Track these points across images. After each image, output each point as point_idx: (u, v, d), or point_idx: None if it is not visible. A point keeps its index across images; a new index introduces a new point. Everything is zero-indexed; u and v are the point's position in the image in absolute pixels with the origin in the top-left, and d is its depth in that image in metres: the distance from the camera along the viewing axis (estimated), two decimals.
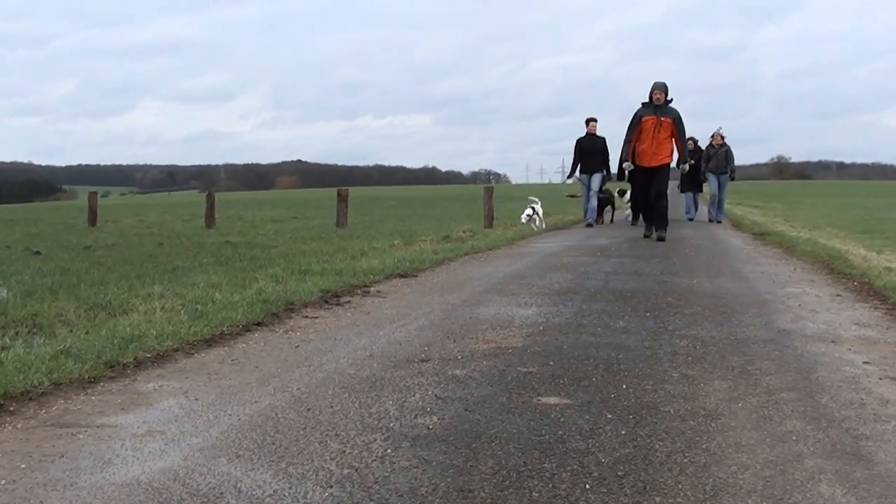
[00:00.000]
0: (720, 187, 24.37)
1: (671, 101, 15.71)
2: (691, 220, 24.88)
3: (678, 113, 15.74)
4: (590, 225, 21.15)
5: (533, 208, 20.37)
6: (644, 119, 15.60)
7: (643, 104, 15.75)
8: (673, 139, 15.71)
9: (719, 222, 23.67)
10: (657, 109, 15.52)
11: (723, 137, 24.40)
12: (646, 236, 15.96)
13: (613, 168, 21.23)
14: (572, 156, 21.81)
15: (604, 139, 21.73)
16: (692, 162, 22.56)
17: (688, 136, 23.56)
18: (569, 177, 22.35)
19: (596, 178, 21.44)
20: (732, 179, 25.00)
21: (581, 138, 21.65)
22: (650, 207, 16.16)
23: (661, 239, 15.30)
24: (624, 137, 15.89)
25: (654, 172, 15.72)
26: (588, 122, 21.71)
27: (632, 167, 16.02)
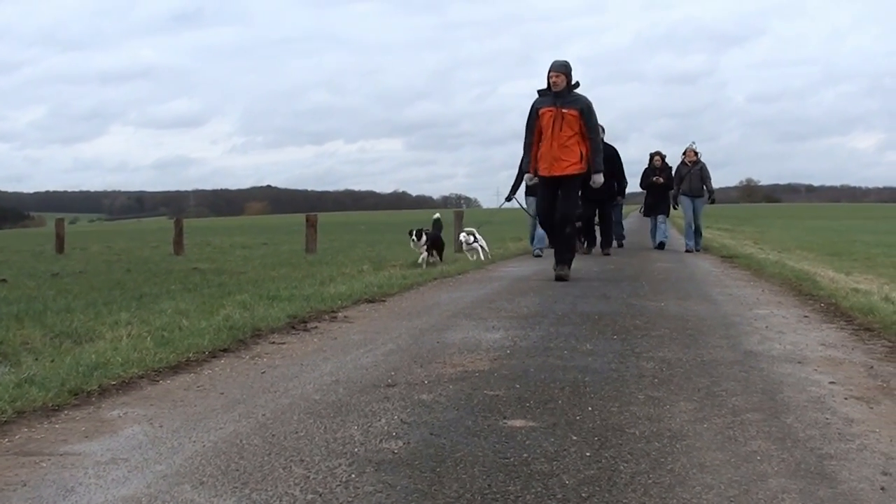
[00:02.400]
0: (696, 212, 20.46)
1: (577, 86, 12.03)
2: (659, 247, 21.27)
3: (588, 102, 11.95)
4: (538, 255, 17.89)
5: (473, 235, 17.41)
6: (541, 112, 11.98)
7: (540, 92, 12.20)
8: (583, 139, 11.91)
9: (697, 251, 20.04)
10: (557, 98, 11.83)
11: (697, 154, 20.67)
12: (558, 276, 12.02)
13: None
14: (514, 176, 17.95)
15: None
16: (661, 179, 21.09)
17: (654, 150, 22.06)
18: (507, 199, 18.18)
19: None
20: (712, 202, 21.49)
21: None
22: (553, 234, 12.49)
23: (560, 278, 11.87)
24: (523, 140, 12.44)
25: (557, 185, 11.97)
26: None
27: (535, 180, 12.45)
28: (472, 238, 17.29)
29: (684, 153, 20.82)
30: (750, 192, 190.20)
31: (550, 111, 11.86)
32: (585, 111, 11.87)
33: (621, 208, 22.67)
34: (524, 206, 17.99)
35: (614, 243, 21.26)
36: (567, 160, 11.79)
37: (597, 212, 19.46)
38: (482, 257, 17.05)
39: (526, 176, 12.87)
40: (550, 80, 11.94)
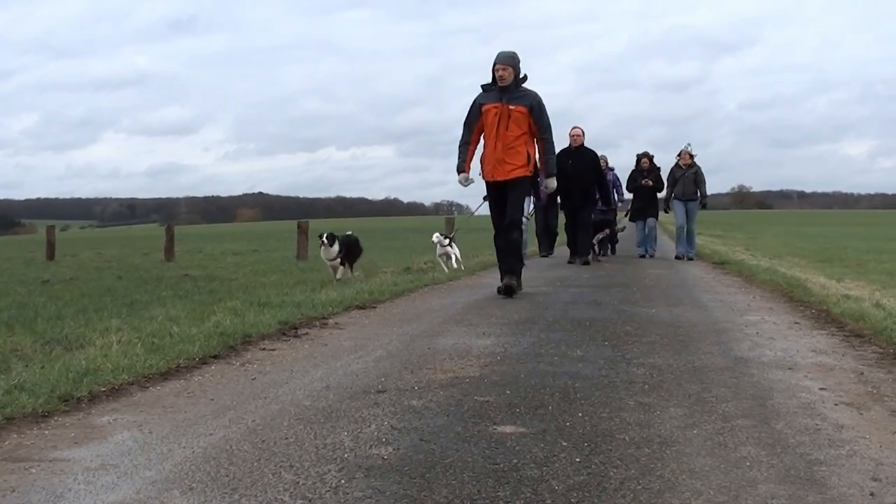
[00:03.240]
0: (689, 217, 19.70)
1: (525, 79, 10.80)
2: (644, 256, 20.34)
3: (538, 98, 10.76)
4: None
5: (449, 240, 16.27)
6: (484, 108, 10.72)
7: (483, 87, 10.93)
8: (531, 139, 10.83)
9: (690, 259, 19.27)
10: (503, 94, 10.62)
11: (692, 156, 19.84)
12: (505, 288, 10.72)
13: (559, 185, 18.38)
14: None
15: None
16: (649, 182, 20.14)
17: (640, 152, 20.92)
18: (485, 199, 16.92)
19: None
20: (704, 207, 20.38)
21: None
22: (499, 242, 11.07)
23: (507, 291, 10.58)
24: (460, 139, 11.07)
25: (503, 190, 10.81)
26: None
27: (471, 181, 11.12)
28: (446, 241, 16.15)
29: (679, 155, 19.99)
30: (742, 199, 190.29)
31: (495, 108, 10.61)
32: (535, 108, 10.67)
33: (615, 216, 21.78)
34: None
35: (609, 251, 21.07)
36: (512, 163, 10.60)
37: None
38: (454, 265, 15.98)
39: (460, 177, 10.98)
40: (496, 74, 10.65)
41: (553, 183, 11.20)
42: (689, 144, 20.12)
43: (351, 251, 14.10)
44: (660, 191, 20.40)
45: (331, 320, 8.47)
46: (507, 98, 10.61)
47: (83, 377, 5.37)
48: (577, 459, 3.73)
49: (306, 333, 7.64)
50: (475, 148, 10.99)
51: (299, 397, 5.04)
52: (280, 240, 38.43)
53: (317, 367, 5.95)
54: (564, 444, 3.97)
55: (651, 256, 20.41)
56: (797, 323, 8.14)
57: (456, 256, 16.30)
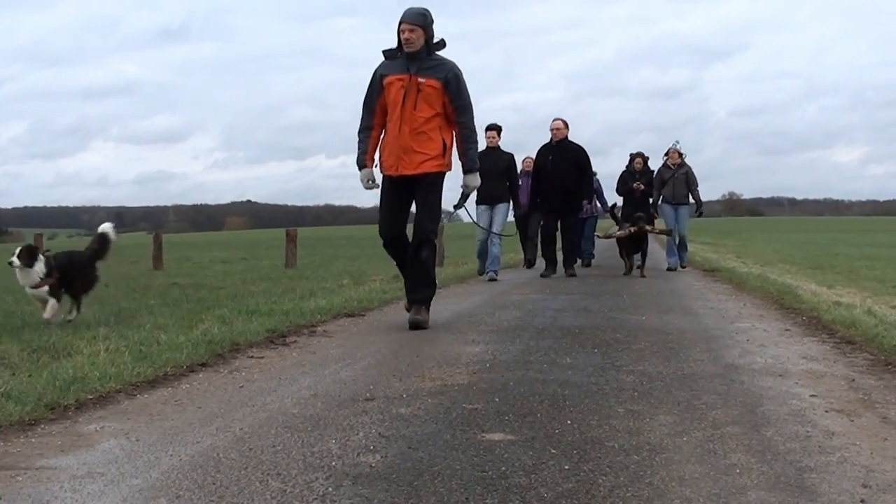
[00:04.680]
0: (679, 223, 17.79)
1: (442, 46, 8.49)
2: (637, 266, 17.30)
3: (456, 70, 8.43)
4: (492, 279, 15.07)
5: None
6: (386, 81, 8.43)
7: (386, 53, 8.60)
8: (446, 123, 8.49)
9: (683, 268, 17.97)
10: (411, 62, 8.33)
11: (681, 155, 17.96)
12: (413, 323, 8.36)
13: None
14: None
15: (510, 157, 15.82)
16: (641, 185, 18.06)
17: (635, 151, 18.94)
18: (456, 206, 12.12)
19: (499, 212, 15.46)
20: (700, 214, 18.62)
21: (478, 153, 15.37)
22: (403, 260, 8.84)
23: (416, 325, 8.29)
24: (359, 125, 8.74)
25: (409, 189, 8.57)
26: (485, 131, 15.42)
27: (375, 186, 8.76)
28: None
29: (666, 154, 18.10)
30: (733, 206, 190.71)
31: (400, 80, 8.29)
32: (451, 82, 8.32)
33: (595, 222, 20.95)
34: (473, 217, 14.38)
35: (580, 261, 19.24)
36: (423, 152, 8.29)
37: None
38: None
39: (363, 173, 8.71)
40: (401, 36, 8.32)
41: (475, 180, 8.86)
42: (677, 142, 18.31)
43: (71, 275, 9.12)
44: (651, 195, 18.18)
45: (319, 328, 8.44)
46: (415, 68, 8.29)
47: (70, 385, 5.33)
48: (566, 467, 3.71)
49: (294, 341, 7.61)
50: (380, 134, 8.65)
51: (287, 405, 5.01)
52: (268, 248, 38.37)
53: (305, 375, 5.92)
54: (553, 451, 3.95)
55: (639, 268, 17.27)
56: (788, 330, 8.14)
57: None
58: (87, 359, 6.33)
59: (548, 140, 16.32)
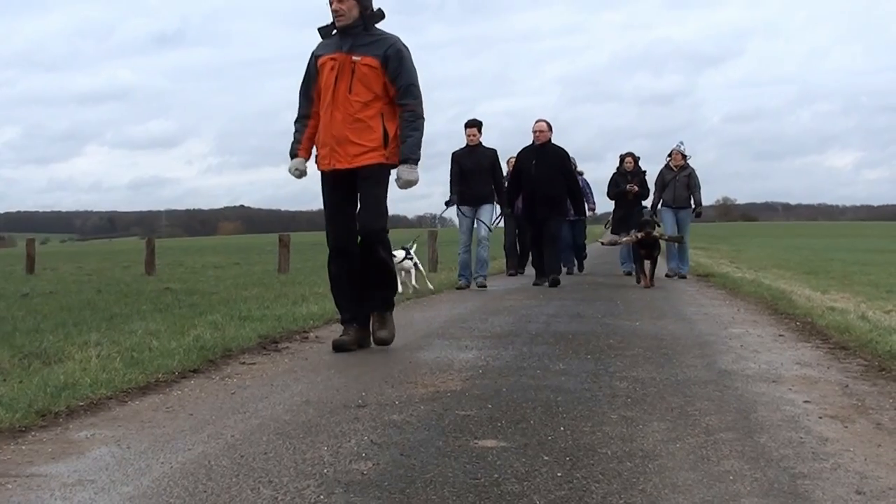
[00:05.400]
0: (680, 227, 16.88)
1: (380, 17, 7.35)
2: (630, 274, 17.17)
3: (397, 45, 7.27)
4: (461, 287, 14.38)
5: (407, 251, 13.44)
6: (320, 62, 7.36)
7: (321, 31, 7.52)
8: (389, 108, 7.30)
9: (683, 277, 16.89)
10: (343, 39, 7.26)
11: (685, 157, 17.13)
12: (377, 340, 7.47)
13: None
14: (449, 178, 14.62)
15: (494, 153, 14.63)
16: (634, 187, 17.30)
17: (625, 151, 18.01)
18: (448, 203, 14.59)
19: (484, 213, 14.43)
20: (699, 216, 17.63)
21: (458, 152, 14.59)
22: (333, 268, 7.68)
23: (383, 342, 7.41)
24: (297, 113, 7.65)
25: (349, 185, 7.39)
26: (466, 128, 14.51)
27: (305, 173, 7.66)
28: (401, 254, 13.01)
29: (669, 155, 17.26)
30: (726, 211, 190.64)
31: (332, 60, 7.22)
32: (392, 58, 7.17)
33: (584, 226, 20.31)
34: (464, 220, 14.60)
35: (568, 268, 18.51)
36: (359, 143, 7.17)
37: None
38: (427, 284, 13.95)
39: (290, 165, 7.67)
40: (330, 8, 7.25)
41: (412, 174, 7.30)
42: (681, 143, 17.41)
43: None
44: (645, 197, 17.58)
45: (312, 334, 8.42)
46: (349, 45, 7.20)
47: (61, 392, 5.31)
48: (559, 474, 3.69)
49: (287, 347, 7.59)
50: (318, 123, 7.50)
51: (279, 412, 4.99)
52: (261, 253, 38.34)
53: (297, 382, 5.90)
54: (546, 458, 3.94)
55: (631, 273, 16.97)
56: (781, 335, 8.14)
57: (419, 271, 14.05)
58: (78, 365, 6.31)
59: (530, 142, 15.33)
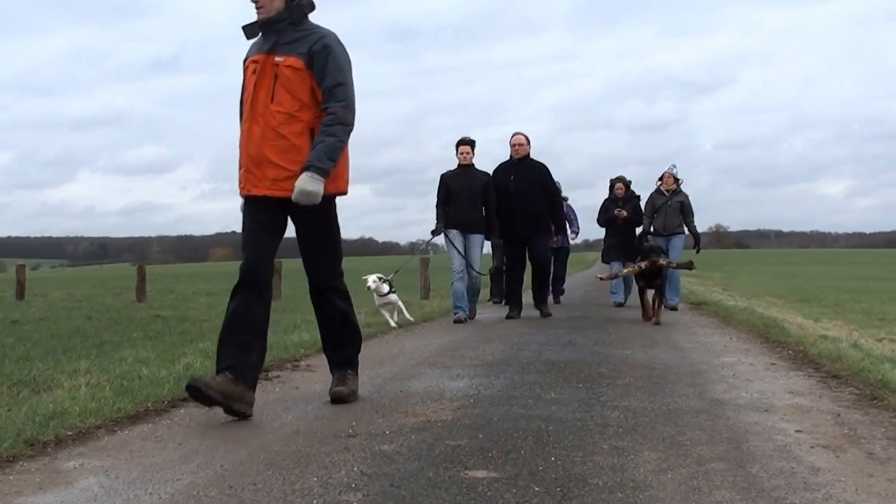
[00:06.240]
0: (670, 256, 14.61)
1: (309, 7, 6.11)
2: (621, 305, 16.84)
3: (326, 39, 5.96)
4: (459, 320, 13.04)
5: (389, 283, 12.74)
6: (246, 64, 6.13)
7: (245, 29, 6.11)
8: (319, 123, 5.91)
9: (674, 308, 15.60)
10: (267, 38, 6.01)
11: (677, 180, 16.08)
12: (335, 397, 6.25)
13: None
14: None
15: (487, 177, 13.47)
16: (623, 212, 16.41)
17: (615, 176, 17.10)
18: (434, 232, 13.42)
19: (475, 245, 13.35)
20: (697, 250, 16.46)
21: (448, 173, 13.49)
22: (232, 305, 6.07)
23: (341, 398, 6.18)
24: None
25: (271, 212, 6.03)
26: (458, 146, 13.46)
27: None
28: (386, 287, 12.63)
29: (660, 179, 16.23)
30: (719, 238, 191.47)
31: (254, 63, 6.00)
32: (318, 55, 5.88)
33: (567, 254, 19.10)
34: (455, 243, 13.28)
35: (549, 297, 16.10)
36: (280, 165, 5.85)
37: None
38: (407, 316, 13.05)
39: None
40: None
41: (305, 182, 5.71)
42: (673, 166, 16.37)
43: None
44: (638, 224, 16.49)
45: (302, 362, 8.41)
46: (271, 44, 5.96)
47: (50, 420, 5.29)
48: None
49: (277, 376, 7.57)
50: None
51: (269, 441, 4.97)
52: None
53: (287, 411, 5.88)
54: (537, 489, 3.92)
55: (622, 304, 16.95)
56: (774, 364, 8.13)
57: (399, 305, 13.04)
58: (67, 393, 6.29)
59: (508, 158, 14.00)
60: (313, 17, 6.16)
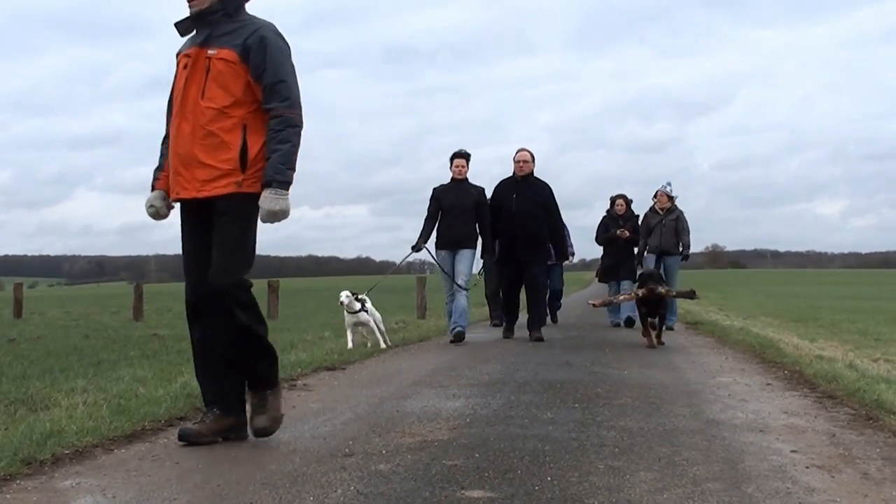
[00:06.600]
0: (668, 276, 14.84)
1: None
2: (618, 325, 16.42)
3: (262, 31, 5.51)
4: (458, 339, 12.59)
5: (363, 302, 11.79)
6: (178, 59, 5.69)
7: (178, 26, 5.66)
8: (253, 115, 5.50)
9: (670, 329, 14.83)
10: (201, 31, 5.59)
11: (671, 198, 15.63)
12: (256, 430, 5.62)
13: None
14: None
15: (481, 191, 13.08)
16: (626, 233, 16.08)
17: (616, 194, 16.80)
18: (415, 248, 12.93)
19: (463, 259, 12.83)
20: (685, 259, 16.02)
21: (440, 187, 13.11)
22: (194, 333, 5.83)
23: (263, 433, 5.58)
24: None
25: (207, 221, 5.55)
26: (453, 158, 13.05)
27: (157, 209, 5.81)
28: (357, 305, 11.69)
29: (654, 197, 15.82)
30: (716, 258, 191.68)
31: (186, 58, 5.56)
32: (255, 48, 5.45)
33: (561, 272, 18.52)
34: (436, 259, 13.06)
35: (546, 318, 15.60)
36: (210, 165, 5.42)
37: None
38: (380, 340, 11.95)
39: (147, 199, 5.86)
40: None
41: (271, 202, 5.40)
42: (668, 184, 15.86)
43: None
44: (637, 243, 16.16)
45: (299, 382, 8.39)
46: (204, 37, 5.55)
47: (47, 439, 5.28)
48: None
49: None
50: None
51: (265, 460, 4.98)
52: None
53: (284, 430, 5.86)
54: None
55: (621, 324, 16.34)
56: (769, 384, 8.14)
57: (378, 326, 12.07)
58: (64, 412, 6.28)
59: (510, 174, 13.54)
60: (251, 9, 5.74)
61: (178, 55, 5.69)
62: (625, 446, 5.28)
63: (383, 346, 11.87)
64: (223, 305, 5.50)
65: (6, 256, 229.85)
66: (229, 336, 5.57)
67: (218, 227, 5.48)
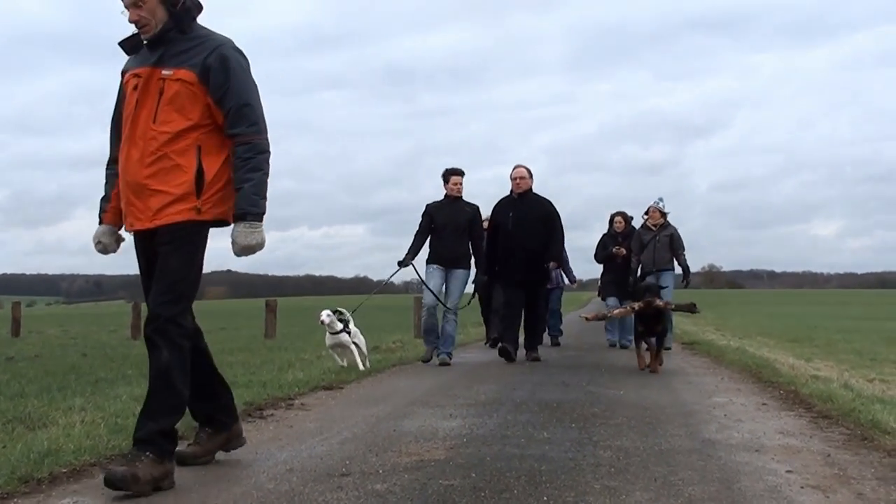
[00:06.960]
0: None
1: (196, 7, 5.20)
2: (615, 345, 16.48)
3: (223, 49, 5.11)
4: (444, 363, 12.35)
5: (345, 321, 11.51)
6: (126, 78, 5.25)
7: (124, 45, 5.27)
8: (209, 137, 5.11)
9: (667, 349, 13.75)
10: (152, 48, 5.11)
11: (663, 214, 15.35)
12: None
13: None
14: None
15: (475, 209, 12.79)
16: (623, 250, 15.88)
17: (615, 211, 16.67)
18: (402, 264, 12.64)
19: (456, 280, 12.60)
20: (686, 284, 15.67)
21: (433, 204, 12.83)
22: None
23: (180, 464, 5.21)
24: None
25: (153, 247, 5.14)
26: (448, 176, 12.76)
27: (104, 244, 5.58)
28: (339, 325, 11.33)
29: (646, 213, 15.51)
30: (712, 278, 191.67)
31: (136, 77, 5.12)
32: (215, 69, 5.07)
33: (561, 294, 18.28)
34: (421, 276, 12.73)
35: (545, 339, 16.13)
36: (162, 191, 5.01)
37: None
38: (358, 362, 11.31)
39: (95, 234, 5.66)
40: (129, 20, 5.06)
41: (245, 237, 5.11)
42: (660, 200, 15.55)
43: None
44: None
45: (297, 401, 8.39)
46: (156, 56, 5.11)
47: (44, 458, 5.28)
48: None
49: (272, 414, 7.57)
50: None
51: (262, 480, 4.98)
52: (248, 318, 38.23)
53: (281, 450, 5.88)
54: None
55: (623, 347, 16.05)
56: (765, 404, 8.15)
57: (360, 347, 11.66)
58: (62, 430, 6.28)
59: (508, 192, 13.32)
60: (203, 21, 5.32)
61: (123, 73, 5.31)
62: (621, 466, 5.29)
63: (361, 368, 11.25)
64: (156, 337, 5.16)
65: (4, 275, 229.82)
66: (151, 372, 5.28)
67: (162, 255, 5.08)
